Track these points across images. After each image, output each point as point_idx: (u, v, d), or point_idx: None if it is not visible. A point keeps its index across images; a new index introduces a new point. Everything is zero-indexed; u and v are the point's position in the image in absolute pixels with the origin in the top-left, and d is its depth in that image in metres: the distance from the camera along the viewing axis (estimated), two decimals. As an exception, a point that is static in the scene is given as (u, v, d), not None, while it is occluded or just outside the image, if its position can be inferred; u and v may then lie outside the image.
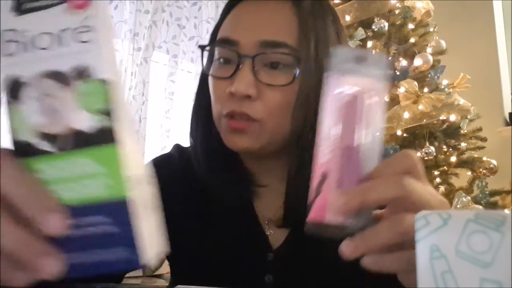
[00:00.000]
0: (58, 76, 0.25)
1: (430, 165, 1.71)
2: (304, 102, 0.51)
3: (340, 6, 1.90)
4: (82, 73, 0.25)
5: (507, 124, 2.35)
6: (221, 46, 0.54)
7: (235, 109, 0.50)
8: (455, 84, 1.84)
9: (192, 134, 0.60)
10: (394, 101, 1.76)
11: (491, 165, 1.72)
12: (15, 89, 0.25)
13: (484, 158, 1.74)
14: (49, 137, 0.25)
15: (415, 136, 1.78)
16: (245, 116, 0.50)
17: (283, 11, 0.53)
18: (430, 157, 1.69)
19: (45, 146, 0.25)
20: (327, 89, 0.33)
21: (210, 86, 0.56)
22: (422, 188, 0.31)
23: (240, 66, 0.51)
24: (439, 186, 1.71)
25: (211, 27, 2.46)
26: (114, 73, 0.25)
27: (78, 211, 0.25)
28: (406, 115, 1.69)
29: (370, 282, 0.39)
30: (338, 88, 0.32)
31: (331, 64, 0.33)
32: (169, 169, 0.61)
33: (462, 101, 1.79)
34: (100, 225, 0.25)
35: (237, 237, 0.56)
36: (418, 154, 1.70)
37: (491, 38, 2.48)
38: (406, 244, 0.30)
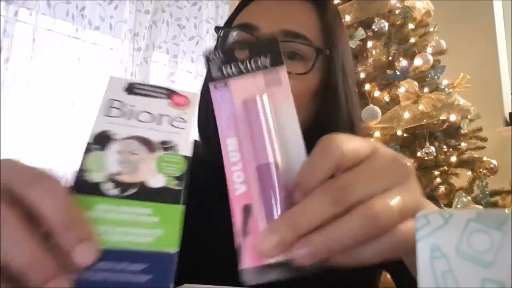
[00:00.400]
0: (146, 142, 0.29)
1: (430, 165, 1.71)
2: (319, 95, 0.52)
3: (340, 6, 1.90)
4: (168, 147, 0.29)
5: (507, 124, 2.35)
6: (240, 30, 0.55)
7: None
8: (455, 84, 1.84)
9: (200, 125, 0.60)
10: (394, 101, 1.76)
11: (491, 165, 1.72)
12: (104, 141, 0.28)
13: (484, 158, 1.74)
14: (120, 184, 0.27)
15: (415, 136, 1.78)
16: None
17: (305, 10, 0.56)
18: (430, 157, 1.68)
19: (112, 190, 0.27)
20: (215, 108, 0.28)
21: None
22: (360, 178, 0.25)
23: None
24: (439, 186, 1.71)
25: (211, 27, 2.46)
26: (190, 150, 0.30)
27: (119, 254, 0.25)
28: (406, 115, 1.69)
29: (365, 272, 0.38)
30: (225, 102, 0.28)
31: (208, 77, 0.30)
32: None
33: (462, 101, 1.79)
34: (138, 273, 0.25)
35: (223, 223, 0.56)
36: (418, 154, 1.70)
37: (491, 38, 2.48)
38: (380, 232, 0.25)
